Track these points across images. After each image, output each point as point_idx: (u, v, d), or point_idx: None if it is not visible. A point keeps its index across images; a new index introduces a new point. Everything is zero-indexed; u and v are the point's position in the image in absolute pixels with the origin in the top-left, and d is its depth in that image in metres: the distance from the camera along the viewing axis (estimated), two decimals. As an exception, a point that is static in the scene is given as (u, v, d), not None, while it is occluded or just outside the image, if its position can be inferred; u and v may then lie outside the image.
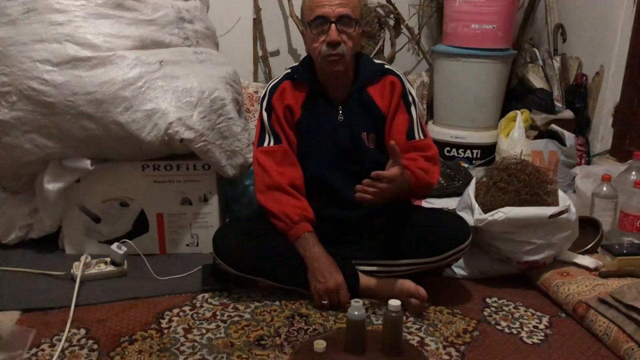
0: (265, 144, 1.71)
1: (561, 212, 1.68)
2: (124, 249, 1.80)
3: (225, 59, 2.13)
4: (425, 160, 1.69)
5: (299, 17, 1.75)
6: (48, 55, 1.72)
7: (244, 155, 1.94)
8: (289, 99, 1.70)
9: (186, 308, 1.62)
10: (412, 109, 1.72)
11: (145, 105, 1.77)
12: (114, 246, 1.80)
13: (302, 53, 2.93)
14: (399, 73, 1.75)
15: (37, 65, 1.72)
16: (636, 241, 1.90)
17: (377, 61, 1.78)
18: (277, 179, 1.67)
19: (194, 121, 1.81)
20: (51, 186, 1.82)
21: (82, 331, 1.49)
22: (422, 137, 1.72)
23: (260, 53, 2.87)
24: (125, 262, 1.82)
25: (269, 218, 1.68)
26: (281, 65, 2.87)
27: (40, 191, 1.85)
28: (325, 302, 1.61)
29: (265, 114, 1.71)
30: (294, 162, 1.72)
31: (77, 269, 1.73)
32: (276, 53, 2.93)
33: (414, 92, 1.76)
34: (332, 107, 1.72)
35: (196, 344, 1.45)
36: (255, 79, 2.85)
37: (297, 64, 1.78)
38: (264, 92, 1.75)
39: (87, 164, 1.83)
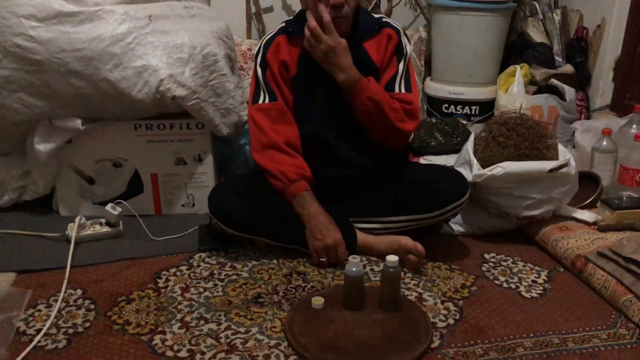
0: (260, 101, 1.67)
1: (561, 166, 1.66)
2: (119, 209, 1.78)
3: (217, 14, 2.06)
4: (404, 112, 1.65)
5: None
6: (33, 10, 1.67)
7: (238, 113, 1.90)
8: (284, 54, 1.66)
9: (183, 268, 1.61)
10: (402, 62, 1.69)
11: (136, 62, 1.72)
12: (109, 207, 1.78)
13: (297, 9, 2.84)
14: (397, 26, 1.71)
15: (21, 21, 1.66)
16: (635, 195, 1.88)
17: (376, 15, 1.73)
18: (272, 137, 1.64)
19: (186, 78, 1.76)
20: (42, 147, 1.79)
21: (79, 292, 1.49)
22: (402, 91, 1.67)
23: (253, 9, 2.79)
24: (121, 223, 1.81)
25: (266, 177, 1.65)
26: (275, 22, 2.78)
27: (32, 152, 1.82)
28: (324, 259, 1.60)
29: (259, 70, 1.67)
30: (289, 120, 1.68)
31: (72, 230, 1.71)
32: (270, 9, 2.86)
33: (409, 47, 1.72)
34: None
35: (194, 302, 1.44)
36: (249, 36, 2.78)
37: (292, 17, 1.72)
38: (258, 47, 1.70)
39: (77, 123, 1.79)
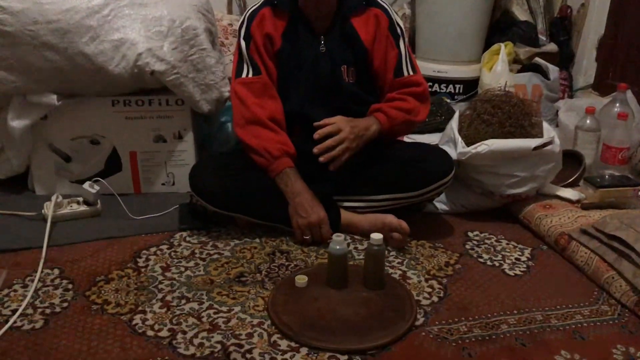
0: (244, 74, 1.62)
1: (545, 144, 1.65)
2: (97, 188, 1.74)
3: (196, -13, 2.00)
4: (414, 98, 1.66)
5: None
6: (3, -20, 1.60)
7: (219, 90, 1.86)
8: (268, 27, 1.61)
9: (163, 247, 1.58)
10: (401, 42, 1.67)
11: (113, 35, 1.67)
12: (86, 185, 1.73)
13: (279, -16, 2.78)
14: (384, 4, 1.67)
15: (-9, -9, 1.60)
16: (617, 173, 1.89)
17: None
18: (256, 112, 1.60)
19: (165, 52, 1.71)
20: (16, 123, 1.74)
21: (56, 271, 1.45)
22: (411, 73, 1.67)
23: (234, -16, 2.73)
24: (99, 201, 1.77)
25: (249, 153, 1.62)
26: (257, -2, 2.76)
27: (5, 129, 1.76)
28: (308, 237, 1.58)
29: (243, 43, 1.62)
30: (273, 95, 1.64)
31: (48, 209, 1.67)
32: (251, -16, 2.79)
33: (401, 24, 1.69)
34: (314, 37, 1.64)
35: (175, 281, 1.41)
36: (230, 11, 2.71)
37: None
38: (241, 19, 1.66)
39: (53, 99, 1.74)
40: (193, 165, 1.67)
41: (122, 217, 1.73)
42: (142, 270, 1.46)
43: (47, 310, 1.29)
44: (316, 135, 1.59)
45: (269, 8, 1.62)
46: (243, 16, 1.65)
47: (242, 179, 1.59)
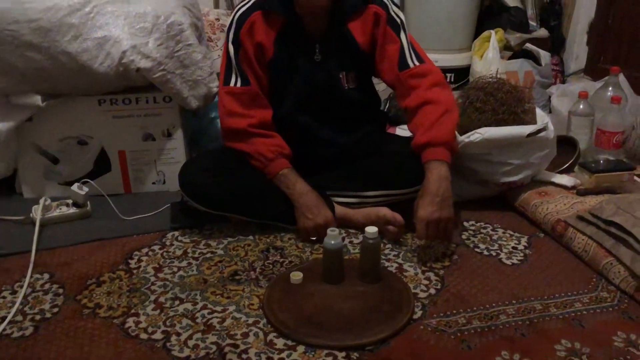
0: (232, 83, 1.56)
1: (539, 130, 1.63)
2: (86, 189, 1.71)
3: (181, -19, 1.97)
4: (430, 89, 1.53)
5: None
6: (-19, -21, 1.56)
7: (207, 85, 1.82)
8: (259, 34, 1.54)
9: (155, 247, 1.55)
10: (402, 33, 1.58)
11: (96, 33, 1.63)
12: (75, 187, 1.70)
13: (265, -23, 2.75)
14: (386, 1, 1.60)
15: (-31, -9, 1.56)
16: (612, 158, 1.87)
17: None
18: (242, 124, 1.55)
19: (150, 49, 1.68)
20: (0, 126, 1.70)
21: (46, 276, 1.42)
22: (417, 64, 1.56)
23: (220, -22, 2.69)
24: (88, 203, 1.73)
25: (244, 157, 1.58)
26: (243, -9, 2.72)
27: (-11, 132, 1.73)
28: (314, 238, 1.55)
29: (232, 48, 1.55)
30: (263, 104, 1.59)
31: (37, 212, 1.64)
32: (238, -22, 2.75)
33: (401, 15, 1.61)
34: (309, 45, 1.59)
35: (168, 282, 1.39)
36: (216, 6, 2.68)
37: None
38: (231, 19, 1.58)
39: (37, 100, 1.70)
40: (182, 165, 1.63)
41: (113, 218, 1.70)
42: (134, 271, 1.44)
43: (37, 317, 1.26)
44: (422, 239, 1.45)
45: (259, 13, 1.54)
46: (232, 16, 1.58)
47: (234, 178, 1.56)
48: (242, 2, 1.60)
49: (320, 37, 1.58)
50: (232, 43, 1.56)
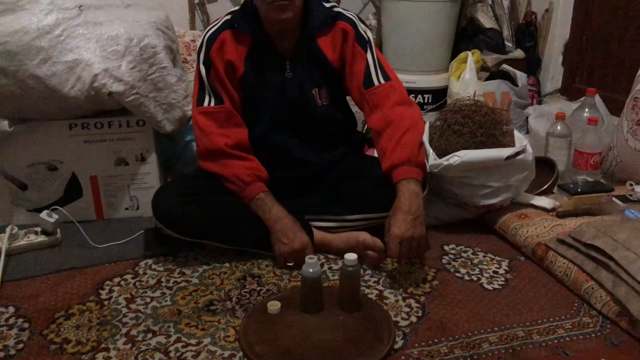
0: (205, 103, 1.54)
1: (518, 153, 1.62)
2: (56, 216, 1.66)
3: (156, 3, 1.94)
4: (393, 109, 1.54)
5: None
6: (-55, 1, 1.51)
7: (182, 108, 1.78)
8: (229, 53, 1.53)
9: (128, 276, 1.50)
10: (368, 50, 1.58)
11: (66, 57, 1.59)
12: (44, 214, 1.65)
13: (242, -2, 2.74)
14: (350, 16, 1.61)
15: None
16: (590, 179, 1.87)
17: (327, 4, 1.61)
18: (218, 143, 1.52)
19: (123, 72, 1.64)
20: (-35, 152, 1.64)
21: (11, 309, 1.36)
22: (382, 82, 1.56)
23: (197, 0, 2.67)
24: (58, 230, 1.68)
25: (219, 180, 1.55)
26: (220, 12, 2.67)
27: (-46, 158, 1.67)
28: (291, 263, 1.52)
29: (203, 69, 1.54)
30: (238, 122, 1.57)
31: (3, 241, 1.57)
32: (214, -1, 2.74)
33: (369, 32, 1.62)
34: (279, 62, 1.57)
35: (140, 314, 1.34)
36: (192, 27, 2.65)
37: (237, 8, 1.61)
38: (201, 41, 1.57)
39: (4, 125, 1.65)
40: (155, 192, 1.59)
41: (84, 246, 1.65)
42: (105, 302, 1.38)
43: (1, 354, 1.19)
44: (394, 258, 1.44)
45: (229, 32, 1.54)
46: (201, 38, 1.57)
47: (209, 205, 1.53)
48: (211, 24, 1.60)
49: (291, 55, 1.58)
50: (203, 64, 1.55)
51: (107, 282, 1.47)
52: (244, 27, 1.53)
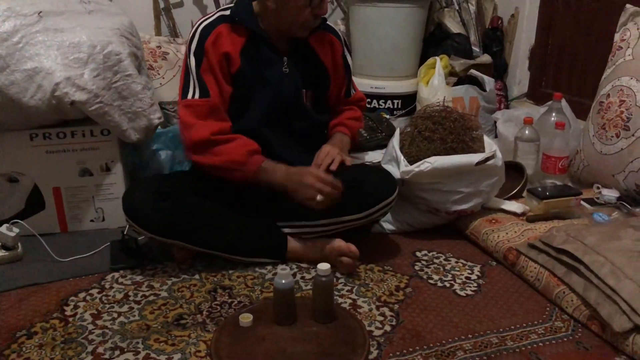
0: (190, 95, 1.51)
1: (487, 159, 1.63)
2: (16, 230, 1.60)
3: (119, 9, 1.89)
4: (359, 108, 1.82)
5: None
6: None
7: (148, 117, 1.74)
8: (226, 45, 1.51)
9: (94, 291, 1.45)
10: (349, 68, 1.74)
11: (25, 65, 1.53)
12: (4, 228, 1.59)
13: (209, 4, 2.70)
14: (337, 31, 1.71)
15: None
16: (559, 183, 1.90)
17: None
18: (203, 133, 1.49)
19: (86, 80, 1.59)
20: None
21: (-31, 329, 1.30)
22: (353, 91, 1.80)
23: (162, 4, 2.62)
24: (20, 244, 1.62)
25: (214, 173, 1.52)
26: (186, 18, 2.65)
27: None
28: (321, 199, 1.46)
29: (193, 60, 1.50)
30: (221, 117, 1.54)
31: (-39, 258, 1.51)
32: (180, 4, 2.69)
33: (348, 51, 1.74)
34: (277, 57, 1.58)
35: (107, 330, 1.29)
36: (158, 33, 2.60)
37: (231, 4, 1.59)
38: (192, 32, 1.53)
39: (-40, 136, 1.58)
40: (126, 190, 1.56)
41: (47, 261, 1.59)
42: (70, 319, 1.33)
43: (-42, 378, 1.14)
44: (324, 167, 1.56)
45: (226, 25, 1.52)
46: (193, 30, 1.53)
47: (180, 203, 1.49)
48: (202, 17, 1.57)
49: (287, 52, 1.60)
50: (194, 54, 1.51)
51: (72, 298, 1.42)
52: (245, 22, 1.53)
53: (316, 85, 1.66)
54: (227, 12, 1.56)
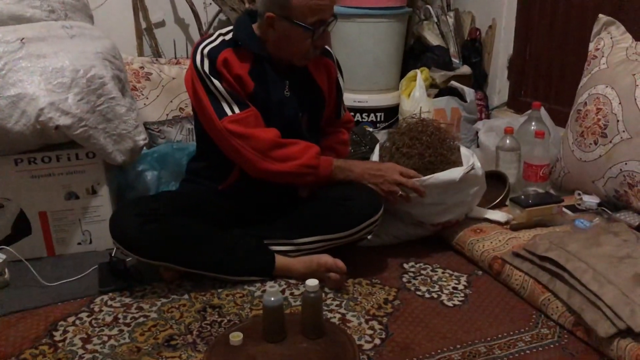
0: (229, 112, 1.50)
1: (468, 172, 1.65)
2: (3, 256, 1.59)
3: (102, 32, 1.90)
4: (347, 130, 1.84)
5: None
6: None
7: (133, 138, 1.74)
8: (236, 68, 1.51)
9: (83, 315, 1.45)
10: (341, 91, 1.76)
11: (9, 91, 1.54)
12: (-10, 254, 1.58)
13: (191, 23, 2.72)
14: (332, 54, 1.73)
15: None
16: (540, 190, 1.93)
17: None
18: (266, 137, 1.51)
19: (70, 105, 1.59)
20: None
21: (-43, 358, 1.29)
22: (343, 112, 1.82)
23: (143, 25, 2.64)
24: (6, 270, 1.61)
25: (282, 180, 1.55)
26: (169, 37, 2.67)
27: None
28: (401, 193, 1.56)
29: (215, 80, 1.49)
30: (266, 125, 1.56)
31: (-53, 286, 1.50)
32: (161, 24, 2.71)
33: (340, 73, 1.76)
34: (280, 80, 1.58)
35: (97, 354, 1.29)
36: (140, 53, 2.62)
37: (230, 28, 1.58)
38: (198, 55, 1.51)
39: (-56, 163, 1.58)
40: (113, 212, 1.56)
41: (35, 286, 1.58)
42: (60, 345, 1.33)
43: (-53, 409, 1.13)
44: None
45: (230, 50, 1.52)
46: (199, 53, 1.51)
47: (168, 225, 1.49)
48: (202, 40, 1.55)
49: (288, 75, 1.60)
50: (213, 75, 1.50)
51: (61, 323, 1.42)
52: (250, 46, 1.53)
53: (313, 109, 1.66)
54: (228, 36, 1.55)
